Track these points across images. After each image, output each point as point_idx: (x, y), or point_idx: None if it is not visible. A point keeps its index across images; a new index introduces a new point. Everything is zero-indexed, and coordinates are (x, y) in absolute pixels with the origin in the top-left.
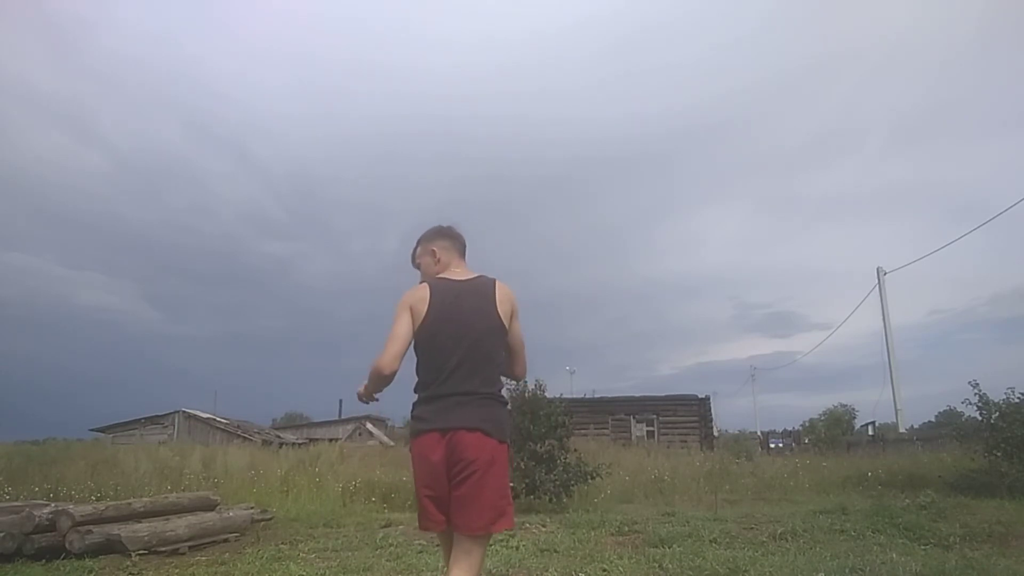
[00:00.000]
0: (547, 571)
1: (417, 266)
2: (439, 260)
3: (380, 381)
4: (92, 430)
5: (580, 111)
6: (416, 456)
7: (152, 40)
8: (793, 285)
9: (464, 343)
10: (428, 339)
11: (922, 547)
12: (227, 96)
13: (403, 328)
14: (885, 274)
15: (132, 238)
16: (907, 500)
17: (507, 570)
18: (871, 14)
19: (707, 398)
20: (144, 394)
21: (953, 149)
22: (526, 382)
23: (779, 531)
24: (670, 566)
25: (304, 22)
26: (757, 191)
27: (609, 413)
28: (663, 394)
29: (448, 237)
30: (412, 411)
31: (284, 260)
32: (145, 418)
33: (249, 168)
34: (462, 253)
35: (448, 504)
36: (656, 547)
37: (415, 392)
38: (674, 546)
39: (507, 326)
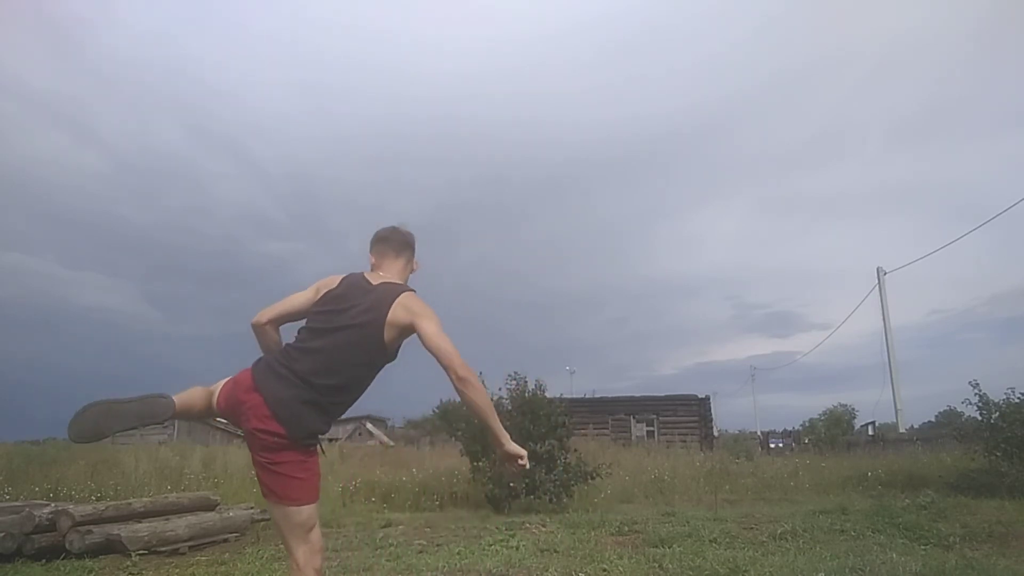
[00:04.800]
0: (547, 571)
1: None
2: (372, 264)
3: (252, 330)
4: None
5: (579, 113)
6: (235, 386)
7: (152, 40)
8: (793, 285)
9: (333, 341)
10: (311, 322)
11: (922, 547)
12: (227, 96)
13: (298, 297)
14: (885, 274)
15: (132, 238)
16: (907, 500)
17: (507, 570)
18: (871, 14)
19: (707, 398)
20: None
21: (953, 149)
22: (525, 380)
23: (779, 531)
24: (670, 566)
25: (304, 22)
26: (757, 191)
27: (609, 413)
28: (663, 394)
29: (382, 240)
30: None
31: (283, 260)
32: None
33: (248, 168)
34: (398, 253)
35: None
36: (656, 547)
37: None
38: (674, 546)
39: (388, 342)
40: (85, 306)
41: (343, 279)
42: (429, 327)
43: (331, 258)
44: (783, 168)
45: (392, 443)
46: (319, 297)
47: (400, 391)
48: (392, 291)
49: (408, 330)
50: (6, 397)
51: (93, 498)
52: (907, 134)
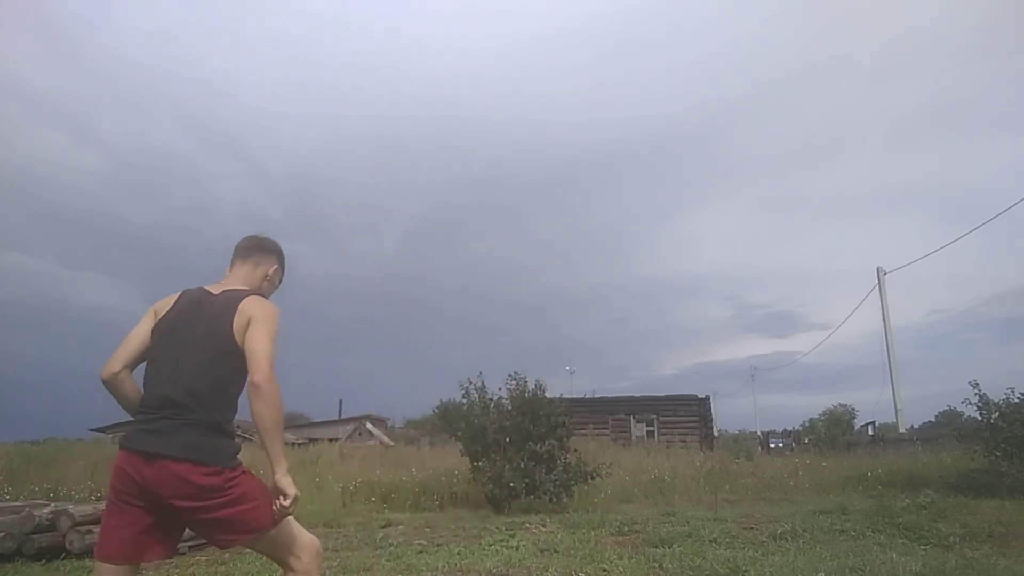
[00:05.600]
0: (547, 571)
1: None
2: (226, 272)
3: (105, 387)
4: (92, 430)
5: (579, 113)
6: (115, 469)
7: (151, 40)
8: (793, 285)
9: (185, 358)
10: (152, 349)
11: (922, 547)
12: (226, 96)
13: (136, 331)
14: (885, 274)
15: (132, 238)
16: (907, 500)
17: (507, 570)
18: (871, 15)
19: (707, 398)
20: None
21: (953, 149)
22: (525, 380)
23: (779, 531)
24: (670, 566)
25: (304, 23)
26: (756, 191)
27: (609, 413)
28: (663, 394)
29: (235, 249)
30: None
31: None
32: None
33: (248, 168)
34: (245, 258)
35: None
36: (656, 547)
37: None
38: (674, 546)
39: (241, 344)
40: (85, 306)
41: (179, 297)
42: (258, 330)
43: (331, 258)
44: (783, 168)
45: (392, 443)
46: (157, 321)
47: (400, 391)
48: (234, 298)
49: (246, 325)
50: (6, 397)
51: (93, 498)
52: (907, 134)
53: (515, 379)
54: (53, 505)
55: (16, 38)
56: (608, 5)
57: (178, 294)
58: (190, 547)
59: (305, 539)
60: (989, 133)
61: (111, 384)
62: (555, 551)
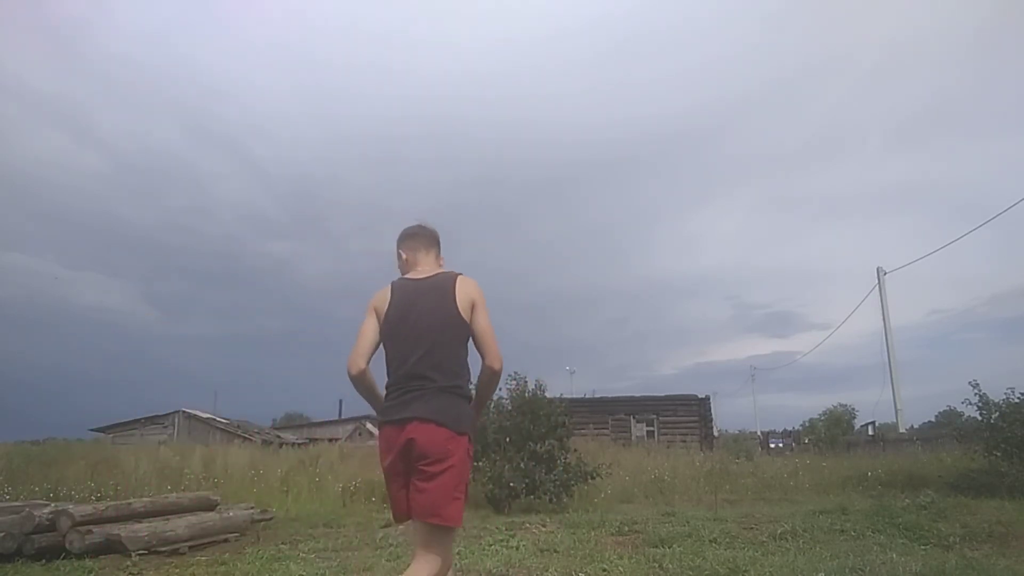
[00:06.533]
0: (547, 571)
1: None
2: (406, 261)
3: (353, 383)
4: (92, 430)
5: (578, 114)
6: (379, 447)
7: (151, 40)
8: (793, 285)
9: (423, 339)
10: (390, 337)
11: (922, 547)
12: (226, 96)
13: (368, 328)
14: (885, 274)
15: (132, 238)
16: (907, 500)
17: (507, 570)
18: (870, 14)
19: (707, 398)
20: (144, 394)
21: (953, 149)
22: (525, 380)
23: (779, 531)
24: (670, 566)
25: (303, 23)
26: (756, 191)
27: (609, 413)
28: (663, 394)
29: (411, 236)
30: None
31: (283, 260)
32: (145, 418)
33: (248, 168)
34: (428, 248)
35: (408, 494)
36: (656, 547)
37: (385, 389)
38: (674, 546)
39: (467, 319)
40: (85, 306)
41: (392, 288)
42: (482, 314)
43: (331, 258)
44: (783, 168)
45: None
46: (384, 315)
47: None
48: (447, 280)
49: (470, 310)
50: (6, 397)
51: (93, 498)
52: (907, 134)
53: (515, 379)
54: (53, 505)
55: (16, 38)
56: (608, 5)
57: (388, 287)
58: (190, 547)
59: (451, 558)
60: (989, 133)
61: (360, 379)
62: (555, 551)
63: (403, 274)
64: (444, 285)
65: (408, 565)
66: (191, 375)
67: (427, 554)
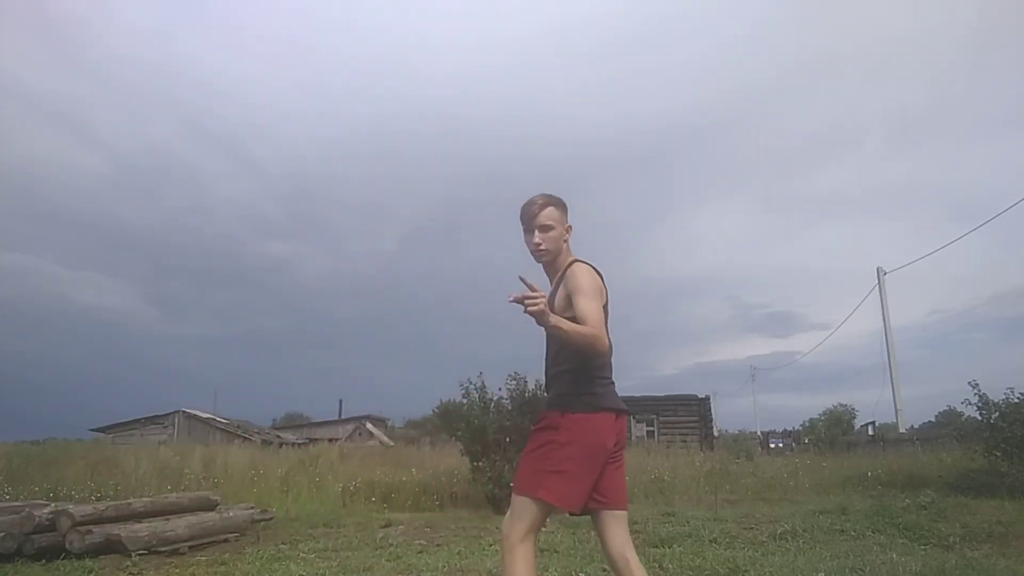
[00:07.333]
0: (547, 571)
1: (540, 248)
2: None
3: (588, 350)
4: (92, 430)
5: (579, 111)
6: (597, 431)
7: (151, 40)
8: (793, 285)
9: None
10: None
11: (922, 547)
12: (226, 96)
13: (598, 306)
14: (885, 274)
15: (132, 238)
16: (907, 500)
17: None
18: (870, 14)
19: (707, 398)
20: (144, 394)
21: (953, 149)
22: (525, 380)
23: (779, 531)
24: (670, 566)
25: (303, 22)
26: (757, 191)
27: None
28: (663, 394)
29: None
30: (585, 390)
31: (283, 260)
32: (145, 418)
33: (248, 168)
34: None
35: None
36: (656, 547)
37: (590, 374)
38: (674, 546)
39: None
40: (85, 306)
41: (594, 268)
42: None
43: (331, 257)
44: (783, 168)
45: (392, 443)
46: (605, 301)
47: (400, 391)
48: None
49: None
50: (6, 397)
51: (93, 498)
52: (907, 134)
53: (515, 379)
54: (53, 505)
55: (16, 38)
56: (608, 3)
57: (592, 268)
58: (190, 547)
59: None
60: (989, 133)
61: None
62: (555, 551)
63: (562, 252)
64: None
65: (407, 565)
66: (191, 375)
67: (631, 545)
